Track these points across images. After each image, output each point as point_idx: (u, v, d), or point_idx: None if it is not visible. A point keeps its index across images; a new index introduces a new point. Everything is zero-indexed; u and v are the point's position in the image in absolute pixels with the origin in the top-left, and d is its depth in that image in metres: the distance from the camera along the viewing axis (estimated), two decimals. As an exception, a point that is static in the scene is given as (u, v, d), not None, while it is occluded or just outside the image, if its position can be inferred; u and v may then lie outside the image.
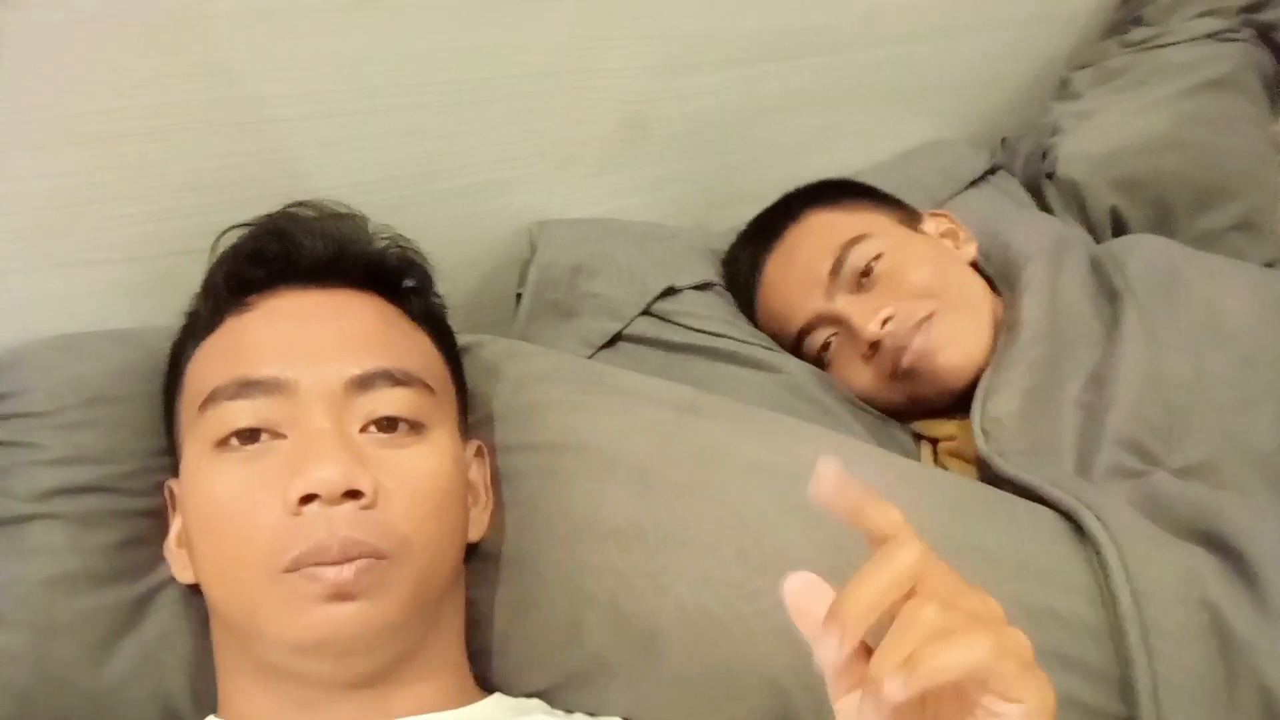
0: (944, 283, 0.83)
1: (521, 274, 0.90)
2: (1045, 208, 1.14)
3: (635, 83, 0.92)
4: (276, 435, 0.54)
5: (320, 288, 0.61)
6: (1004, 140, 1.25)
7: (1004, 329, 0.83)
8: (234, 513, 0.52)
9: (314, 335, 0.58)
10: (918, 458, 0.83)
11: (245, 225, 0.64)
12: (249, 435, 0.54)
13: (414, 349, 0.61)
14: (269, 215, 0.63)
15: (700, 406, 0.69)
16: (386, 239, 0.65)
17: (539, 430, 0.68)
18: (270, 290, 0.60)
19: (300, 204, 0.64)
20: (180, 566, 0.59)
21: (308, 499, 0.51)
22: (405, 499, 0.54)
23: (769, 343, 0.88)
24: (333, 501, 0.51)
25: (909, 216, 0.93)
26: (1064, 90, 1.24)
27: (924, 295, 0.81)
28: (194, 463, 0.55)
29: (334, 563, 0.51)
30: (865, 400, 0.85)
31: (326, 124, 0.77)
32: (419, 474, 0.56)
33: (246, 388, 0.54)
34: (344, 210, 0.64)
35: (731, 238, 0.96)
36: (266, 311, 0.59)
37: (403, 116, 0.81)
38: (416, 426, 0.57)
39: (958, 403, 0.82)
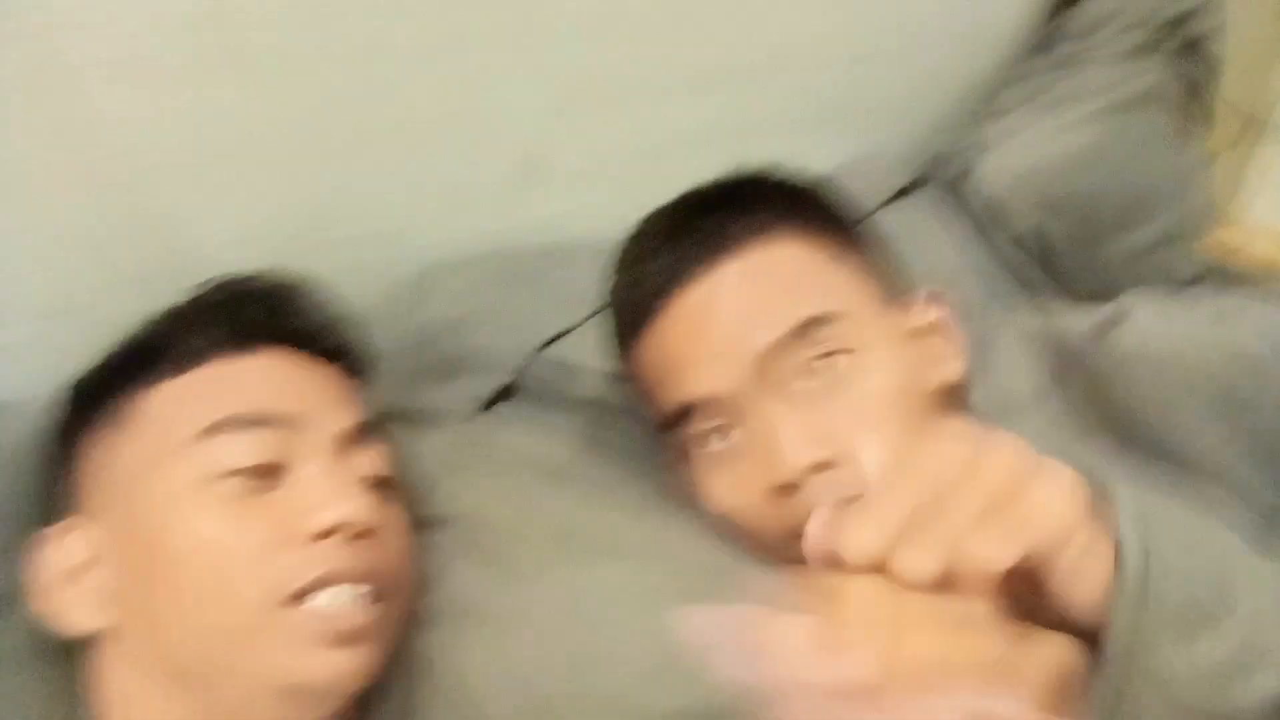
0: (909, 439, 0.58)
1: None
2: (972, 225, 1.12)
3: (531, 123, 0.91)
4: (276, 472, 0.56)
5: (303, 353, 0.64)
6: (935, 157, 1.24)
7: None
8: (235, 544, 0.53)
9: (318, 385, 0.62)
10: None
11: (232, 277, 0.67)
12: (250, 471, 0.55)
13: None
14: (263, 273, 0.67)
15: (571, 473, 0.68)
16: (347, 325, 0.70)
17: (428, 503, 0.68)
18: (264, 343, 0.63)
19: (282, 272, 0.68)
20: (82, 611, 0.56)
21: (329, 532, 0.55)
22: (396, 544, 0.60)
23: None
24: (350, 537, 0.55)
25: (896, 295, 0.68)
26: (990, 108, 1.23)
27: (881, 449, 0.57)
28: (175, 496, 0.54)
29: (340, 589, 0.54)
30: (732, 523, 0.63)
31: (199, 177, 0.76)
32: (400, 524, 0.62)
33: (259, 420, 0.57)
34: (321, 291, 0.69)
35: None
36: (267, 359, 0.62)
37: (282, 167, 0.80)
38: (390, 484, 0.63)
39: None
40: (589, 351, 0.82)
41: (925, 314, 0.67)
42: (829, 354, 0.58)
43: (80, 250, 0.73)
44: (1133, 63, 1.17)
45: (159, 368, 0.60)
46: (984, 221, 1.11)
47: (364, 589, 0.55)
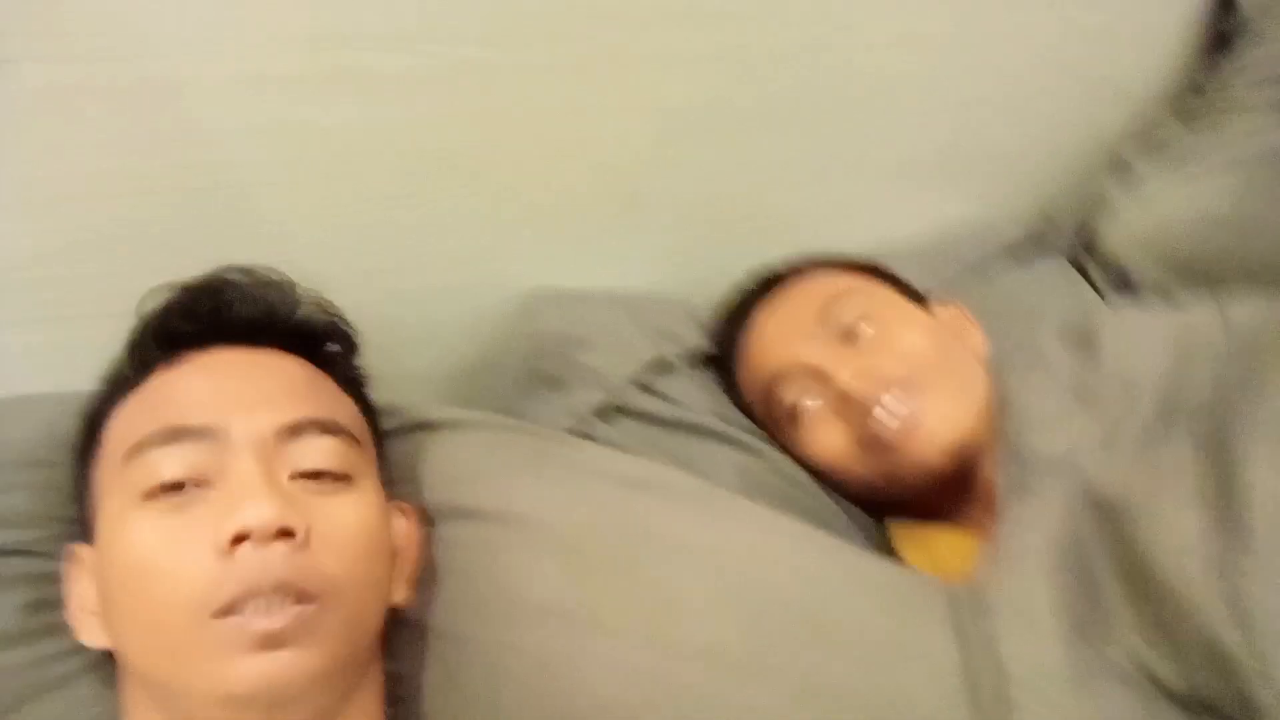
0: (940, 356, 0.77)
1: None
2: (1090, 286, 1.08)
3: (632, 154, 0.90)
4: (203, 484, 0.54)
5: (248, 347, 0.61)
6: (1048, 216, 1.19)
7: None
8: (161, 561, 0.52)
9: (245, 386, 0.58)
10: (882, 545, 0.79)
11: (173, 285, 0.64)
12: (175, 486, 0.53)
13: (339, 403, 0.62)
14: (200, 277, 0.64)
15: (648, 482, 0.67)
16: (313, 304, 0.66)
17: (478, 497, 0.67)
18: (199, 347, 0.61)
19: (231, 268, 0.65)
20: (89, 631, 0.57)
21: (240, 539, 0.51)
22: (335, 542, 0.54)
23: (750, 425, 0.85)
24: (265, 541, 0.51)
25: (916, 299, 0.87)
26: (1115, 163, 1.17)
27: (914, 361, 0.76)
28: (116, 516, 0.54)
29: (266, 599, 0.50)
30: (834, 474, 0.79)
31: (303, 192, 0.78)
32: (348, 520, 0.56)
33: (176, 434, 0.54)
34: (276, 276, 0.65)
35: None
36: (196, 365, 0.60)
37: (386, 184, 0.81)
38: (343, 478, 0.58)
39: (935, 497, 0.76)
40: (682, 385, 0.87)
41: (947, 313, 0.87)
42: (860, 316, 0.78)
43: (186, 251, 0.74)
44: (1274, 118, 1.10)
45: (116, 395, 0.60)
46: (1103, 282, 1.07)
47: (288, 597, 0.51)
